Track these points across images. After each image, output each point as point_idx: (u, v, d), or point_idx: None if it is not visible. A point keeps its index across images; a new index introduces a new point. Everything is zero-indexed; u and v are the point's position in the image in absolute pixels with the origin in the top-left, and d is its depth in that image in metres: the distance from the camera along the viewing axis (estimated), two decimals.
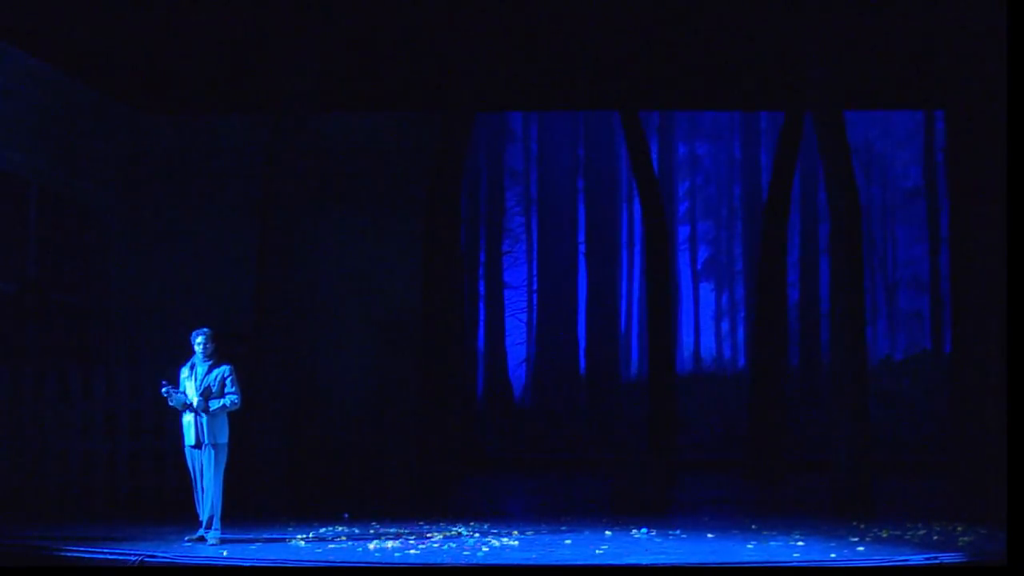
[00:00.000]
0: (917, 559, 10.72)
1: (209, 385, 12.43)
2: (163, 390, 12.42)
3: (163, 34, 17.17)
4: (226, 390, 12.46)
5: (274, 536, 12.76)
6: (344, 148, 19.96)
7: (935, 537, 12.75)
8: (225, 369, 12.52)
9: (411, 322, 19.32)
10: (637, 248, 46.38)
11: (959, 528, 13.46)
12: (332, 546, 12.15)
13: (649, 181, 20.72)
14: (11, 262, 17.03)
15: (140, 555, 10.77)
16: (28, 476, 15.90)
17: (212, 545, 12.04)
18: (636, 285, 47.03)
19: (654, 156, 30.30)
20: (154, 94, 19.49)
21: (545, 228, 36.68)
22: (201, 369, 12.50)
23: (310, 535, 12.89)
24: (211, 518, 12.38)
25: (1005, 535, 10.64)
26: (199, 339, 12.53)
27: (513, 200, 43.56)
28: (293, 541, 12.41)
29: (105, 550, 11.16)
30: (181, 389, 12.51)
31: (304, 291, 18.90)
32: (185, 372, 12.59)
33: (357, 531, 13.30)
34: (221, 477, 12.45)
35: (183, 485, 15.60)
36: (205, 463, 12.43)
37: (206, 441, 12.38)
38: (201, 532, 12.32)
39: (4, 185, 16.89)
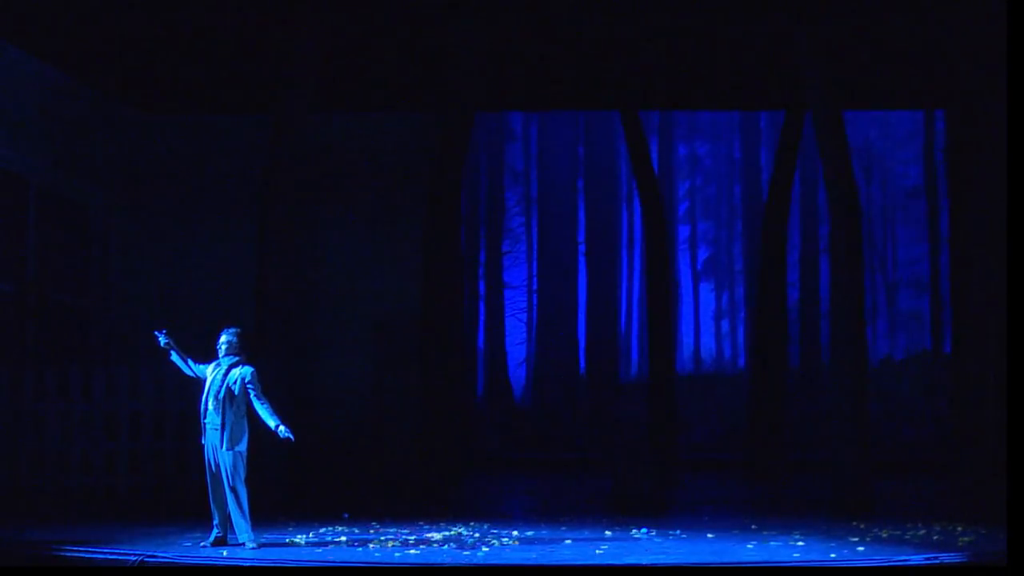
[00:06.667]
0: (917, 559, 10.71)
1: (229, 387, 11.78)
2: (161, 338, 11.86)
3: (163, 34, 17.17)
4: (253, 396, 11.78)
5: (274, 536, 12.74)
6: (344, 148, 19.97)
7: (935, 537, 12.74)
8: (246, 372, 11.85)
9: (411, 322, 19.31)
10: (637, 248, 46.33)
11: (959, 528, 13.45)
12: (332, 546, 12.14)
13: (649, 181, 20.72)
14: (11, 262, 17.03)
15: (140, 555, 10.75)
16: (28, 476, 15.90)
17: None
18: (636, 285, 46.97)
19: (654, 156, 30.33)
20: (154, 94, 19.49)
21: (545, 228, 36.71)
22: (223, 367, 11.82)
23: (310, 535, 12.87)
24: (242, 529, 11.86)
25: (1005, 535, 10.64)
26: (223, 337, 11.89)
27: (513, 200, 43.54)
28: (293, 541, 12.39)
29: (105, 550, 11.14)
30: (203, 375, 11.94)
31: (304, 291, 18.91)
32: (211, 368, 11.96)
33: (357, 531, 13.29)
34: (242, 483, 11.83)
35: (183, 485, 15.69)
36: (223, 469, 11.83)
37: (224, 448, 11.78)
38: (217, 535, 11.90)
39: (4, 185, 16.88)
